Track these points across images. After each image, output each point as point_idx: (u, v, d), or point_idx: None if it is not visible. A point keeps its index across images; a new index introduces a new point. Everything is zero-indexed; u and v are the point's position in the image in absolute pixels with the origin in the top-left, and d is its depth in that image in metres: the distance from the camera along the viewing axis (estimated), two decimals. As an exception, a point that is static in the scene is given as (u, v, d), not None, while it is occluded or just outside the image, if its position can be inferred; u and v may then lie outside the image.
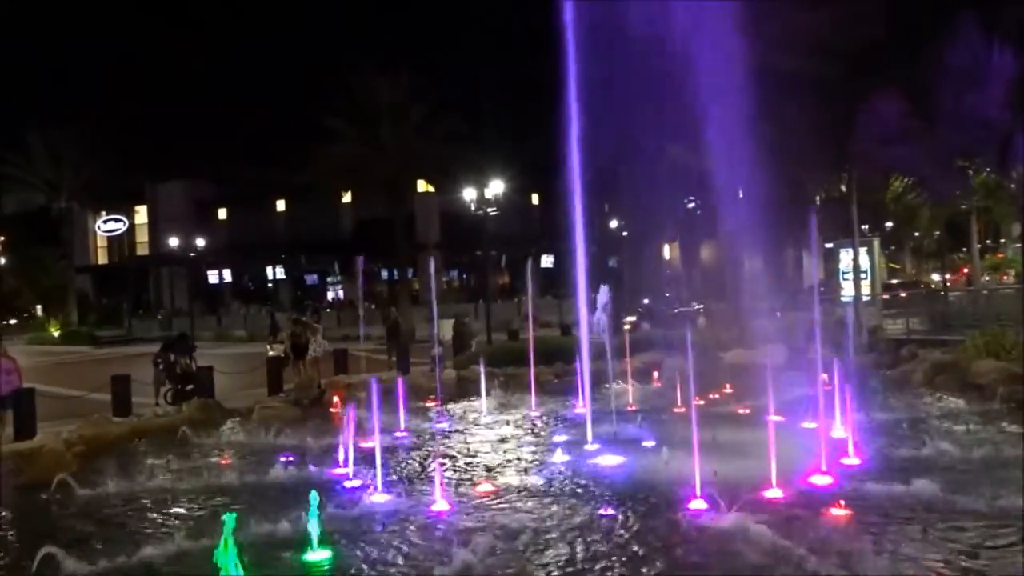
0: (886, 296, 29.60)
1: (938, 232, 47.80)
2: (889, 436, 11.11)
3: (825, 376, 11.06)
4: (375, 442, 9.49)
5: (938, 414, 12.95)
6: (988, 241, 56.44)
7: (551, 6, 11.48)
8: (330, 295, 58.62)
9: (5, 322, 52.60)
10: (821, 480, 8.75)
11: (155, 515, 8.99)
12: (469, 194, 32.43)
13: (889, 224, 46.73)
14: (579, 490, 9.07)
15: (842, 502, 7.77)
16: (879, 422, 11.98)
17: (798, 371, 13.31)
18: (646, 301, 30.07)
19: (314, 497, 7.00)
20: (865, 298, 26.45)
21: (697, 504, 7.98)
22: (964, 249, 49.88)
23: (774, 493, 8.27)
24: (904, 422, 12.16)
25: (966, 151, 30.98)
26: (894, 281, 46.25)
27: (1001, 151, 30.12)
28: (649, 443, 10.99)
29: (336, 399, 15.81)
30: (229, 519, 6.00)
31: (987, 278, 40.23)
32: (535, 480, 9.64)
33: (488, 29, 68.67)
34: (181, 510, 9.12)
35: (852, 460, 9.57)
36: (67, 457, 11.19)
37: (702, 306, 27.52)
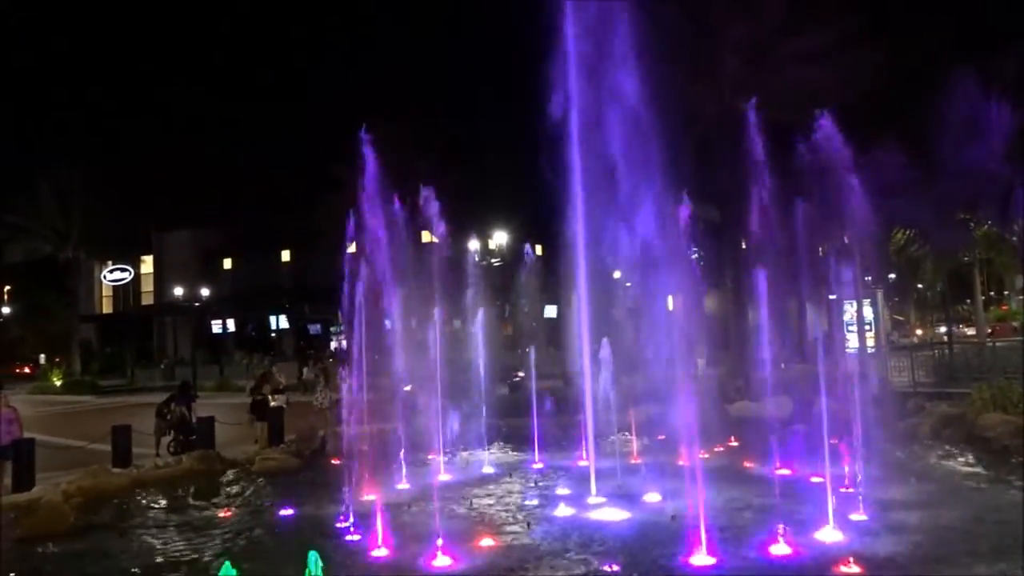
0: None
1: (941, 284, 47.81)
2: (897, 491, 10.94)
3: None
4: (376, 495, 9.38)
5: (946, 469, 12.79)
6: (992, 293, 56.42)
7: (554, 59, 11.69)
8: (333, 345, 58.55)
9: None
10: (829, 536, 8.61)
11: (147, 572, 8.85)
12: (472, 245, 32.64)
13: (892, 276, 46.73)
14: (581, 545, 8.92)
15: (851, 559, 7.63)
16: (887, 477, 11.82)
17: (804, 424, 13.19)
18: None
19: (314, 557, 6.88)
20: (870, 350, 26.34)
21: (701, 560, 7.84)
22: (968, 301, 49.81)
23: (781, 549, 8.13)
24: (912, 477, 11.99)
25: (968, 204, 31.18)
26: (971, 331, 45.51)
27: (1002, 204, 30.32)
28: (653, 497, 10.85)
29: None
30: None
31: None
32: (538, 535, 9.50)
33: (491, 82, 69.91)
34: (175, 567, 8.98)
35: (860, 516, 9.42)
36: (64, 509, 11.06)
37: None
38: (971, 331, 47.36)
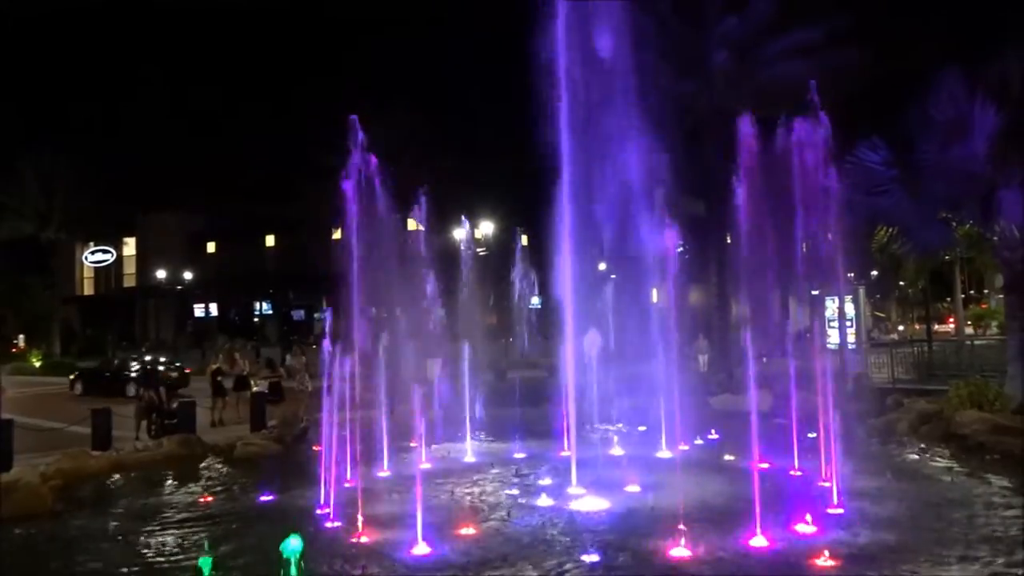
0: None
1: (922, 282, 48.26)
2: (874, 485, 11.08)
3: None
4: (357, 482, 9.39)
5: (922, 464, 12.96)
6: (972, 291, 56.99)
7: (544, 49, 11.66)
8: (317, 331, 58.37)
9: None
10: (806, 529, 8.70)
11: (126, 556, 8.83)
12: (459, 234, 32.52)
13: (874, 272, 47.07)
14: (561, 535, 8.98)
15: (827, 552, 7.72)
16: (864, 471, 11.95)
17: (783, 418, 13.29)
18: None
19: (295, 546, 6.87)
20: (850, 346, 26.53)
21: (680, 551, 7.91)
22: (948, 299, 50.30)
23: (759, 541, 8.22)
24: (889, 471, 12.14)
25: (950, 203, 31.38)
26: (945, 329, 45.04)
27: (984, 203, 30.51)
28: (633, 488, 10.92)
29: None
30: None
31: None
32: (518, 523, 9.54)
33: (481, 72, 69.57)
34: (154, 551, 8.96)
35: (837, 509, 9.53)
36: (43, 491, 11.00)
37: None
38: (944, 328, 47.85)
